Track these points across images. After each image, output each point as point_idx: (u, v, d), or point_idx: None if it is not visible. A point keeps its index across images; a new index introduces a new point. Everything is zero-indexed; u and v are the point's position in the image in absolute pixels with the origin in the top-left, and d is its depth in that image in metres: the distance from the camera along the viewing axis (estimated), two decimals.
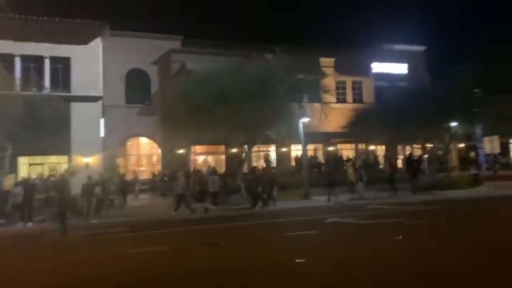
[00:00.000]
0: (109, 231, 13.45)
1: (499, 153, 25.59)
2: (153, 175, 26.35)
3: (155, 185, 25.27)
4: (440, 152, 27.59)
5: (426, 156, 28.83)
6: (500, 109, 22.73)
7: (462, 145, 34.52)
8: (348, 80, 33.16)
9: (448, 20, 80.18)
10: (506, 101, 23.29)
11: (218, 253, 9.66)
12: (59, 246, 11.59)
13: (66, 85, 23.24)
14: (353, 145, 32.42)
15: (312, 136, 25.40)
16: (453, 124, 23.84)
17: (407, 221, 12.78)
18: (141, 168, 27.99)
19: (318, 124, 24.91)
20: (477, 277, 6.93)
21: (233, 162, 25.77)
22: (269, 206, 18.07)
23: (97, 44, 24.26)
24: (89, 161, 23.34)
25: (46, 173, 21.73)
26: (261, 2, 64.03)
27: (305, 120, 21.49)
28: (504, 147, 33.62)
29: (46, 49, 22.76)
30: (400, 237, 10.30)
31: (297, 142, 24.16)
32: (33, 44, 22.33)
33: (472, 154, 35.90)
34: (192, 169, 24.12)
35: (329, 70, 31.14)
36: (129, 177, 24.80)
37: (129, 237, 12.57)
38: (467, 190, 21.65)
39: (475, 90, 24.04)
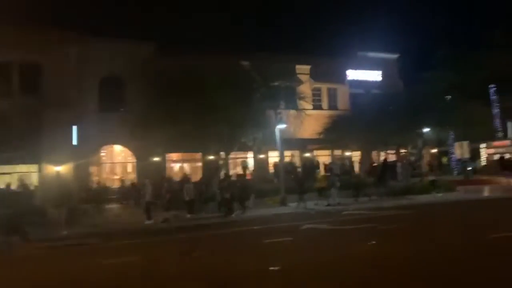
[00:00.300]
0: (81, 242, 13.06)
1: (469, 158, 26.33)
2: (122, 183, 25.76)
3: (129, 193, 24.72)
4: (413, 158, 28.16)
5: (400, 162, 29.38)
6: (469, 115, 23.47)
7: (435, 150, 35.36)
8: (324, 87, 33.52)
9: (420, 28, 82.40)
10: (475, 107, 24.12)
11: (193, 263, 9.50)
12: (21, 260, 11.15)
13: (38, 92, 22.56)
14: (329, 151, 32.70)
15: (289, 143, 25.50)
16: (426, 129, 24.40)
17: (381, 226, 12.95)
18: (115, 177, 27.39)
19: (295, 130, 25.08)
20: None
21: (210, 170, 25.60)
22: (240, 214, 17.72)
23: (69, 50, 23.73)
24: (61, 169, 22.72)
25: (13, 184, 20.95)
26: (237, 9, 64.26)
27: (281, 126, 21.56)
28: (475, 152, 34.72)
29: (17, 56, 22.07)
30: (374, 242, 10.40)
31: (274, 149, 24.19)
32: (3, 50, 21.57)
33: (444, 159, 36.86)
34: (162, 177, 23.66)
35: (305, 77, 31.43)
36: (103, 186, 24.24)
37: (101, 248, 12.24)
38: (440, 195, 22.11)
39: (446, 96, 24.73)
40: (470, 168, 28.43)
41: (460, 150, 22.77)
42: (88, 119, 25.22)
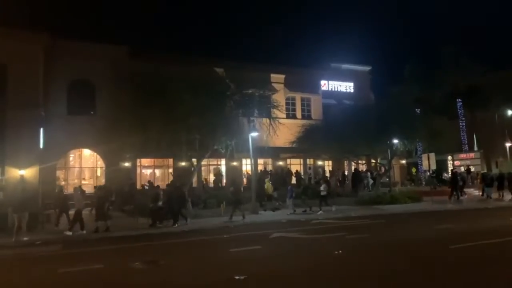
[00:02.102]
0: (41, 249, 12.56)
1: (434, 170, 27.05)
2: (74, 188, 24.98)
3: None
4: (383, 168, 28.72)
5: (369, 173, 29.94)
6: (436, 128, 24.21)
7: (404, 161, 36.26)
8: (298, 96, 33.87)
9: (391, 43, 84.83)
10: (442, 120, 24.91)
11: (157, 272, 9.28)
12: None
13: (2, 93, 21.71)
14: (301, 160, 32.98)
15: (262, 151, 25.55)
16: (394, 141, 24.96)
17: (349, 235, 13.07)
18: (84, 182, 26.62)
19: (268, 139, 25.12)
20: None
21: (180, 176, 25.27)
22: (183, 224, 16.95)
23: (37, 51, 23.01)
24: (25, 173, 21.90)
25: None
26: (213, 16, 64.36)
27: (254, 134, 21.56)
28: (443, 164, 35.82)
29: None
30: (340, 251, 10.47)
31: (247, 156, 24.16)
32: None
33: (413, 170, 37.86)
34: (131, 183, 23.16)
35: (279, 86, 31.69)
36: (69, 191, 23.48)
37: (62, 255, 11.80)
38: (408, 205, 22.60)
39: (414, 109, 25.43)
40: (437, 179, 29.31)
41: (427, 161, 23.39)
42: (56, 122, 24.54)
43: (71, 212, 16.51)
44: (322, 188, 20.82)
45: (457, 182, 24.37)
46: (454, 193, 24.07)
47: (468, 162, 34.70)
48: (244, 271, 8.54)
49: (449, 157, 36.52)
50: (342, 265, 9.17)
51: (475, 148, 35.78)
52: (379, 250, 10.89)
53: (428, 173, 28.50)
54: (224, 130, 20.58)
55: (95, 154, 27.03)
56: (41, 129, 23.36)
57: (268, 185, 22.56)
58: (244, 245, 11.77)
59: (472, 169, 32.66)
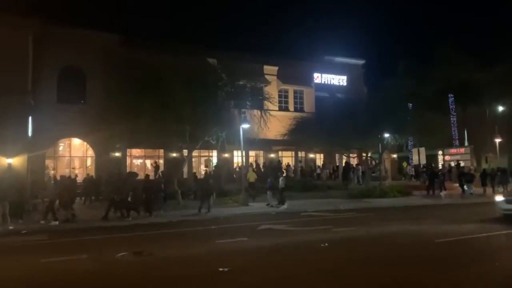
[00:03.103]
0: (25, 239, 12.44)
1: (424, 164, 27.18)
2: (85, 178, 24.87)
3: (88, 189, 23.85)
4: (373, 162, 28.81)
5: (360, 166, 30.02)
6: (428, 123, 24.25)
7: (395, 155, 36.40)
8: (290, 89, 33.79)
9: (385, 37, 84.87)
10: (433, 115, 24.95)
11: (140, 263, 9.23)
12: None
13: None
14: (293, 153, 33.00)
15: (253, 143, 25.49)
16: (386, 135, 24.99)
17: (336, 228, 13.10)
18: (74, 171, 26.37)
19: (260, 131, 25.06)
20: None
21: (172, 167, 25.20)
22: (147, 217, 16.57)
23: (25, 37, 22.64)
24: (13, 161, 21.65)
25: None
26: (208, 7, 63.78)
27: (245, 126, 21.46)
28: (432, 158, 36.06)
29: None
30: (326, 244, 10.49)
31: (238, 148, 24.10)
32: None
33: (405, 164, 38.06)
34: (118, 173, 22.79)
35: (272, 78, 31.57)
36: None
37: (46, 245, 11.70)
38: (397, 199, 22.71)
39: (406, 104, 25.45)
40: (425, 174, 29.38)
41: (417, 156, 23.48)
42: (45, 110, 24.21)
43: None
44: (280, 181, 20.46)
45: (434, 178, 24.45)
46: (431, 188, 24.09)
47: (458, 157, 34.91)
48: (228, 263, 8.52)
49: (440, 152, 36.74)
50: (327, 258, 9.18)
51: (466, 144, 36.01)
52: (364, 243, 10.93)
53: (414, 168, 28.60)
54: (215, 121, 20.48)
55: (85, 143, 26.80)
56: (30, 117, 23.07)
57: (251, 174, 22.43)
58: (231, 237, 11.75)
59: (462, 164, 32.88)
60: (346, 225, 13.86)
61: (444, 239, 10.91)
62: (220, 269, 8.07)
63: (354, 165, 31.75)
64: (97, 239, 12.47)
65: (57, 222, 15.10)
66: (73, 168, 26.58)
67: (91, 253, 9.94)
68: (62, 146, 27.43)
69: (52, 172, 25.20)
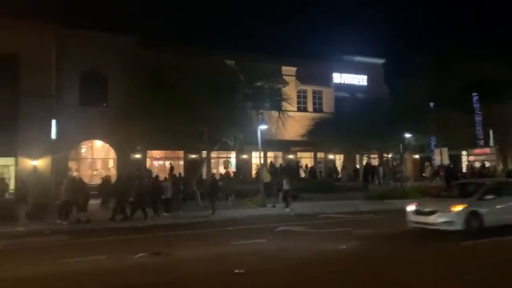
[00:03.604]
0: (47, 239, 12.76)
1: (447, 165, 26.45)
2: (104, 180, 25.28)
3: (109, 191, 24.26)
4: (394, 163, 28.32)
5: (381, 167, 29.54)
6: (451, 122, 23.68)
7: (417, 156, 35.65)
8: (309, 89, 33.55)
9: (406, 34, 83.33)
10: (457, 114, 24.33)
11: (159, 264, 9.30)
12: None
13: (14, 83, 21.95)
14: (312, 154, 32.76)
15: (271, 144, 25.45)
16: (407, 135, 24.54)
17: (355, 230, 12.91)
18: (95, 173, 26.93)
19: (278, 132, 25.01)
20: None
21: (191, 168, 25.39)
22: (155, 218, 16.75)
23: (48, 42, 23.21)
24: (38, 164, 22.23)
25: None
26: (225, 8, 64.08)
27: (263, 127, 21.44)
28: (456, 159, 35.12)
29: None
30: (344, 246, 10.34)
31: (257, 149, 24.08)
32: None
33: (427, 165, 37.21)
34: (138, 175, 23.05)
35: (290, 79, 31.43)
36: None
37: (67, 245, 11.96)
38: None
39: (427, 103, 24.91)
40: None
41: (439, 156, 22.90)
42: (67, 113, 24.73)
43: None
44: (284, 184, 19.95)
45: (451, 179, 23.40)
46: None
47: (483, 157, 33.88)
48: (244, 265, 8.50)
49: (464, 152, 35.76)
50: (344, 261, 9.04)
51: (491, 143, 34.89)
52: (384, 244, 10.72)
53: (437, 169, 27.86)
54: (232, 122, 20.51)
55: (107, 145, 27.28)
56: (53, 120, 23.64)
57: (265, 174, 22.30)
58: (249, 238, 11.73)
59: (487, 164, 31.87)
60: (366, 227, 13.64)
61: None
62: (236, 271, 8.06)
63: (375, 166, 31.26)
64: (116, 240, 12.69)
65: (65, 223, 15.41)
66: (76, 171, 26.74)
67: (111, 254, 10.10)
68: (84, 148, 27.98)
69: (75, 173, 25.72)
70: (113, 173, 26.53)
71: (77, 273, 8.43)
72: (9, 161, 22.86)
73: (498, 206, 11.66)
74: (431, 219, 11.25)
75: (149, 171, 20.63)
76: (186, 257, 9.81)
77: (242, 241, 11.31)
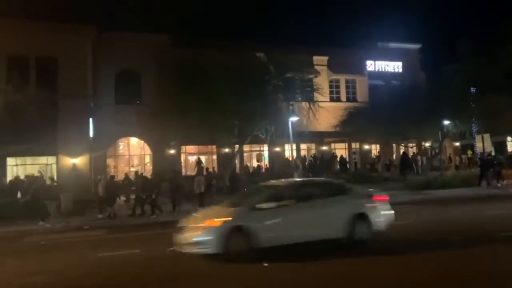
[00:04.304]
0: (86, 234, 13.20)
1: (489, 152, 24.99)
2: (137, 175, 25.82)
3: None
4: (434, 151, 27.26)
5: (419, 156, 28.54)
6: (493, 107, 22.45)
7: (457, 143, 34.17)
8: (342, 78, 32.86)
9: (443, 18, 79.75)
10: (497, 99, 23.02)
11: (189, 257, 9.36)
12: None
13: (53, 85, 22.84)
14: (346, 145, 32.13)
15: (303, 136, 25.12)
16: (446, 122, 23.50)
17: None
18: (132, 169, 27.64)
19: (310, 123, 24.65)
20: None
21: (224, 163, 25.54)
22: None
23: (85, 43, 23.99)
24: (77, 161, 23.11)
25: (33, 174, 21.53)
26: (254, 0, 63.74)
27: (293, 119, 21.19)
28: (500, 145, 33.32)
29: (33, 49, 22.41)
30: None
31: (288, 141, 23.87)
32: (19, 44, 21.92)
33: (469, 152, 35.60)
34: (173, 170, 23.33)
35: (322, 69, 30.89)
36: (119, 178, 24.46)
37: (104, 240, 12.32)
38: (460, 190, 21.24)
39: (469, 89, 23.72)
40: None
41: (481, 143, 21.70)
42: (104, 112, 25.56)
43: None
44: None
45: (485, 167, 21.92)
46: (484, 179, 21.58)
47: None
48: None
49: (509, 138, 33.90)
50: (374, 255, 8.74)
51: None
52: (418, 237, 10.28)
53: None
54: (262, 115, 20.45)
55: (142, 142, 27.95)
56: (91, 119, 24.46)
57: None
58: None
59: None
60: (403, 218, 13.13)
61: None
62: (265, 264, 7.99)
63: (413, 155, 30.25)
64: (152, 234, 12.93)
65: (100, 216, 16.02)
66: (115, 167, 27.50)
67: (144, 248, 10.30)
68: (121, 145, 28.82)
69: (113, 170, 26.50)
70: (149, 169, 27.23)
71: (114, 266, 8.65)
72: (50, 159, 23.91)
73: (280, 219, 8.61)
74: (184, 238, 8.43)
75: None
76: None
77: None
